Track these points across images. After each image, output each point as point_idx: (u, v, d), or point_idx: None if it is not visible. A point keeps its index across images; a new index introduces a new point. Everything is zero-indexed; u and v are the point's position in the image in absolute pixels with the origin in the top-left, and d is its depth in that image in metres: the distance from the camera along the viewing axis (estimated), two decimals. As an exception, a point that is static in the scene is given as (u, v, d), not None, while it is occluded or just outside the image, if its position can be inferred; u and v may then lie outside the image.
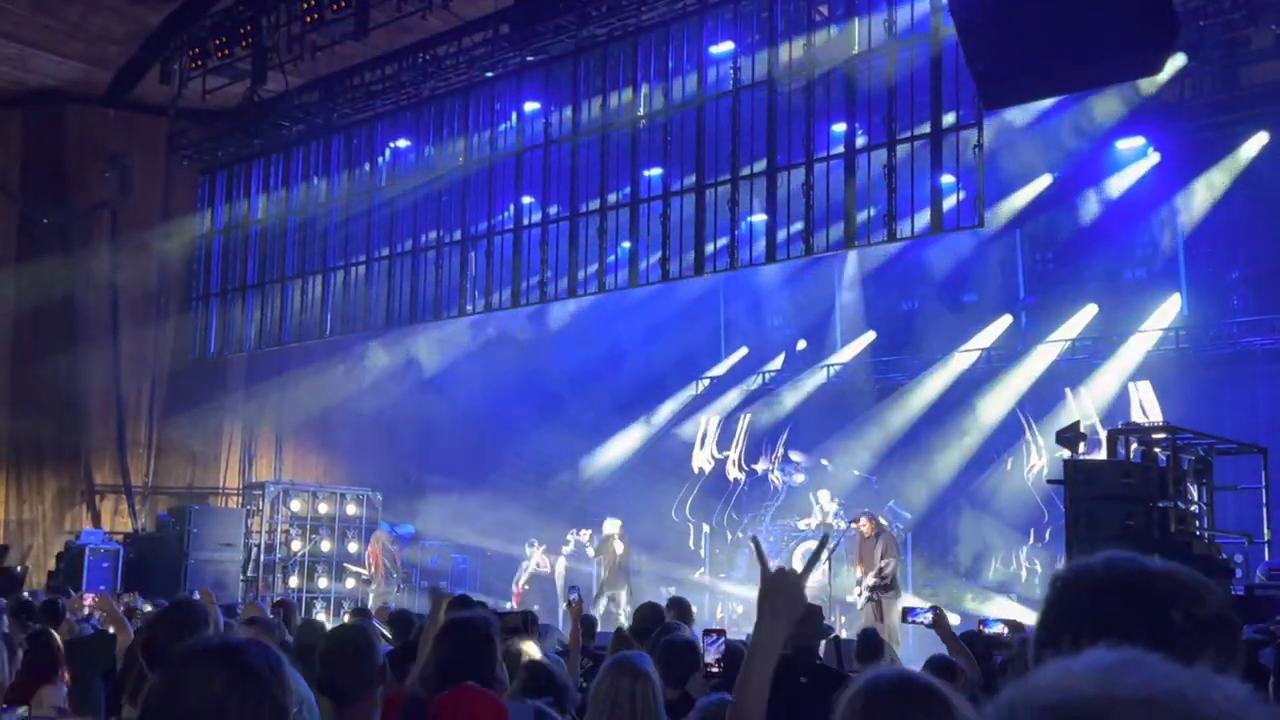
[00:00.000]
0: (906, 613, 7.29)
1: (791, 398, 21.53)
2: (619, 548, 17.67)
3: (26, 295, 21.31)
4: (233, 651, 2.11)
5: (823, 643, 9.28)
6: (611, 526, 17.84)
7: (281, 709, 2.08)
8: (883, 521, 16.00)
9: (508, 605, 17.01)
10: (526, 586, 18.65)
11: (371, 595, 19.16)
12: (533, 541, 19.31)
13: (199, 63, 19.10)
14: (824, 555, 2.93)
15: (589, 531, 18.02)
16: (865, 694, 2.37)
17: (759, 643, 2.74)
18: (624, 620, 15.55)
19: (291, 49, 17.83)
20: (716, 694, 4.37)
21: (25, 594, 15.09)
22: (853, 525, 16.77)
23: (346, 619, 15.73)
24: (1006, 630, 6.66)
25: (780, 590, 2.74)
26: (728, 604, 19.54)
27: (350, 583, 20.51)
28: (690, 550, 21.48)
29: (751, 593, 18.91)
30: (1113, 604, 1.59)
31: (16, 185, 22.22)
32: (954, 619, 15.05)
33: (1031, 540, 17.98)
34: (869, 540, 15.27)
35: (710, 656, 4.78)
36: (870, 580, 14.87)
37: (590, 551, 17.92)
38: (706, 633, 5.19)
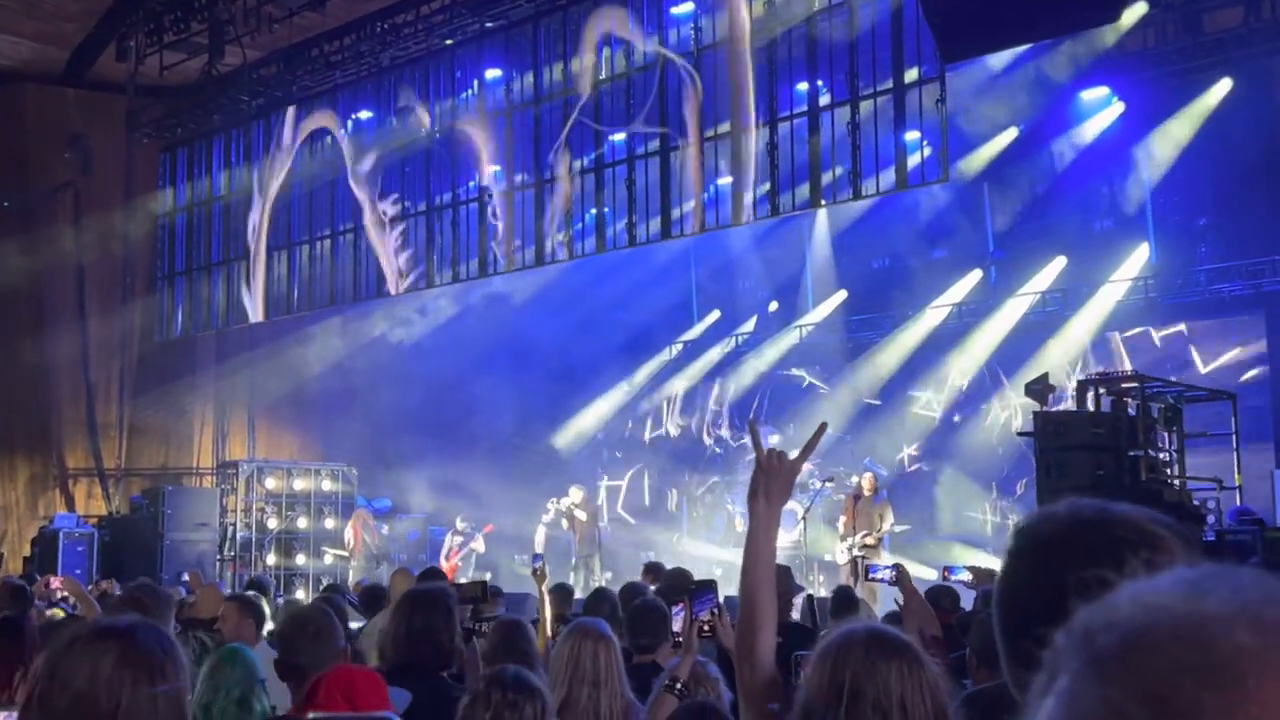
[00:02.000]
0: (867, 570, 7.25)
1: (764, 359, 21.54)
2: (582, 515, 17.66)
3: (-10, 280, 21.09)
4: (122, 631, 2.10)
5: (799, 600, 9.29)
6: (574, 495, 17.81)
7: (174, 690, 2.06)
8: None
9: (487, 575, 16.98)
10: (459, 563, 18.49)
11: (351, 571, 19.14)
12: (460, 518, 19.04)
13: (155, 38, 18.88)
14: (819, 442, 2.87)
15: (566, 500, 18.00)
16: (838, 648, 2.36)
17: (755, 528, 2.78)
18: (599, 584, 15.57)
19: (248, 22, 17.61)
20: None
21: (-2, 580, 15.02)
22: (826, 484, 16.81)
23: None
24: (972, 577, 6.66)
25: (774, 475, 2.77)
26: (708, 567, 19.59)
27: (329, 559, 20.44)
28: (668, 515, 21.53)
29: (729, 555, 18.99)
30: (1073, 550, 1.55)
31: (-25, 168, 21.96)
32: (930, 573, 15.20)
33: (995, 494, 18.08)
34: (866, 499, 15.26)
35: (678, 626, 4.75)
36: (870, 540, 14.86)
37: (564, 524, 17.89)
38: (673, 602, 5.14)
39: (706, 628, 4.18)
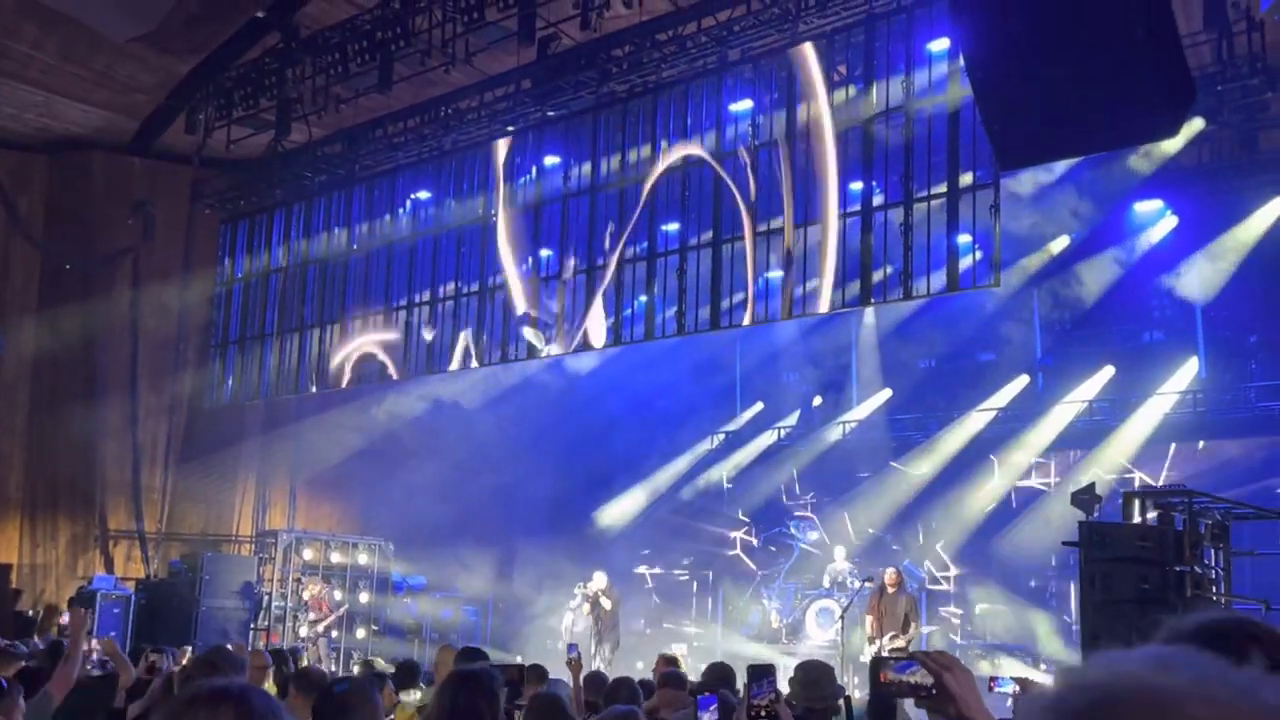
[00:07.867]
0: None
1: (806, 454, 21.47)
2: (606, 603, 17.54)
3: (47, 340, 21.43)
4: (237, 694, 2.23)
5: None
6: (599, 581, 17.71)
7: None
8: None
9: (518, 658, 16.89)
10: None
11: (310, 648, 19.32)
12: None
13: (225, 113, 19.34)
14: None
15: (593, 585, 17.88)
16: None
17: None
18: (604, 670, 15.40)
19: (316, 101, 18.03)
20: None
21: (36, 639, 15.11)
22: (866, 584, 16.58)
23: (355, 670, 15.69)
24: (1019, 689, 6.54)
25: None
26: (739, 663, 19.33)
27: (361, 633, 20.42)
28: (703, 606, 21.35)
29: (764, 650, 18.78)
30: (1195, 642, 1.59)
31: (41, 231, 22.42)
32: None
33: (1034, 603, 17.81)
34: (891, 594, 14.88)
35: (707, 716, 4.69)
36: (899, 642, 14.47)
37: (585, 609, 17.74)
38: (698, 691, 5.08)
39: (764, 713, 4.12)
